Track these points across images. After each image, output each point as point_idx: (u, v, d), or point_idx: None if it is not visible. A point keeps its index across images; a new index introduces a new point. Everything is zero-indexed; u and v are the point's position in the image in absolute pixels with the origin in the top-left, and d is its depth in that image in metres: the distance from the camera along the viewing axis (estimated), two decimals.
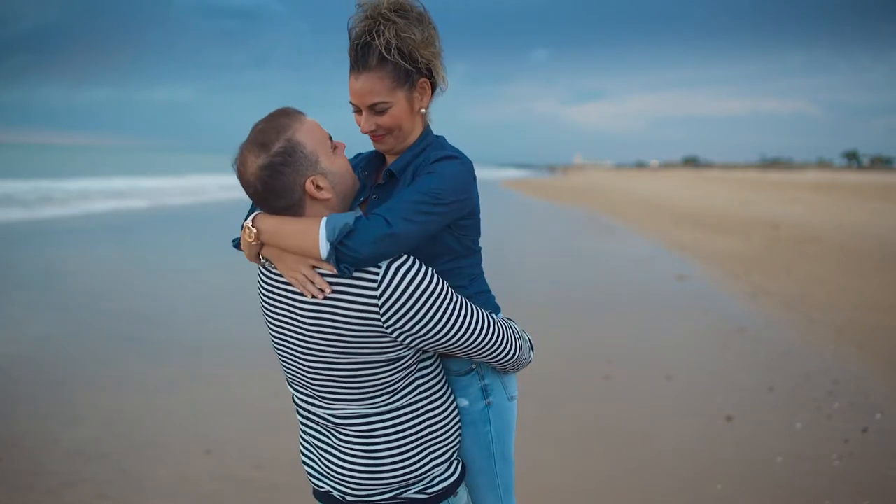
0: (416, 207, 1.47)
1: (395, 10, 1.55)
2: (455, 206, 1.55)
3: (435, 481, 1.61)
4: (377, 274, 1.43)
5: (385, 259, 1.44)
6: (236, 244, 1.63)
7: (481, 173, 1.93)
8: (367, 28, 1.56)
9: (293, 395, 1.68)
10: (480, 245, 1.75)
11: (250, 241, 1.51)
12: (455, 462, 1.67)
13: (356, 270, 1.43)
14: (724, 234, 14.38)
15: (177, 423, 4.33)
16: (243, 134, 1.50)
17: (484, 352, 1.59)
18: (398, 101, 1.58)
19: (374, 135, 1.63)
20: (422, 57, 1.57)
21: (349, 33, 1.60)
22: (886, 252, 11.47)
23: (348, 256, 1.41)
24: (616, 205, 24.16)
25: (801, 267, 10.16)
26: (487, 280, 1.80)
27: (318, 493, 1.70)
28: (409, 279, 1.44)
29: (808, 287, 8.62)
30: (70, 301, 7.50)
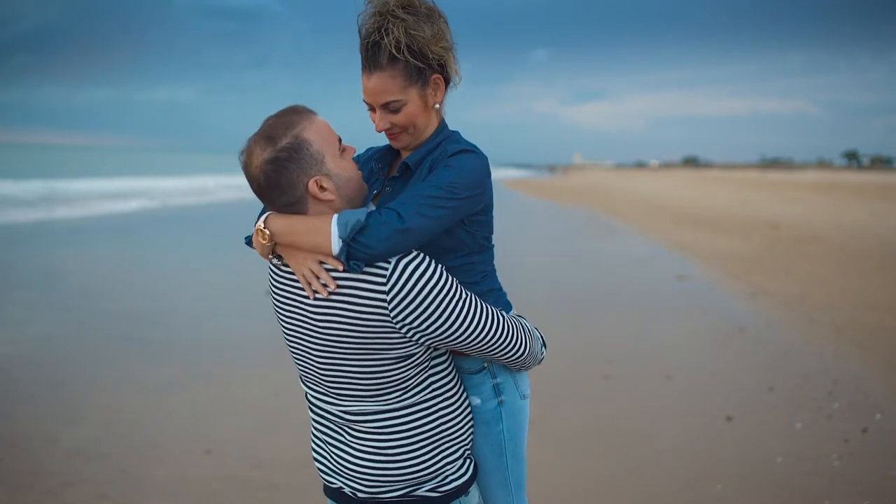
0: (430, 202, 1.47)
1: (403, 7, 1.55)
2: (470, 200, 1.55)
3: (447, 479, 1.61)
4: (386, 270, 1.43)
5: (398, 254, 1.44)
6: (248, 240, 1.64)
7: None
8: (376, 26, 1.55)
9: (306, 392, 1.68)
10: (493, 242, 1.74)
11: (263, 242, 1.51)
12: (468, 461, 1.67)
13: (366, 266, 1.43)
14: (724, 234, 14.38)
15: (177, 423, 4.33)
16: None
17: (494, 348, 1.59)
18: (412, 99, 1.58)
19: (390, 133, 1.63)
20: (432, 53, 1.57)
21: (359, 31, 1.59)
22: (886, 252, 11.47)
23: (361, 252, 1.41)
24: (616, 205, 24.16)
25: (801, 267, 10.16)
26: None
27: (329, 490, 1.70)
28: (418, 275, 1.44)
29: (808, 287, 8.62)
30: (70, 301, 7.50)
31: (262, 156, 1.45)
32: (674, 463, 3.82)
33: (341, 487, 1.65)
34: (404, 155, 1.70)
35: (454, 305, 1.48)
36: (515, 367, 1.70)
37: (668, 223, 17.10)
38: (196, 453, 3.90)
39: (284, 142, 1.44)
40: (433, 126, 1.66)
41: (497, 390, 1.72)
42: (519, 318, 1.69)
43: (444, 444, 1.60)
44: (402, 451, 1.57)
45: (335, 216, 1.43)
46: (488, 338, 1.56)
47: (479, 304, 1.54)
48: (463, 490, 1.63)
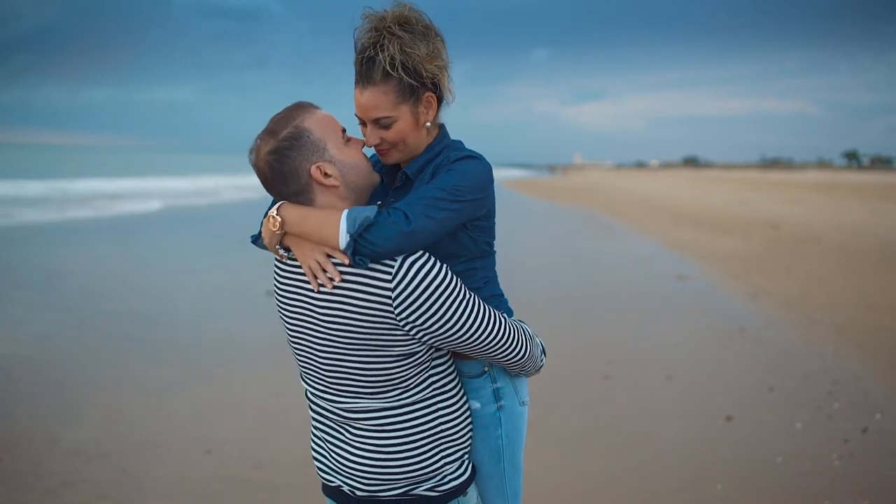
0: (435, 203, 1.50)
1: (400, 24, 1.56)
2: (473, 203, 1.57)
3: (446, 479, 1.62)
4: (392, 267, 1.45)
5: (402, 253, 1.46)
6: (254, 239, 1.66)
7: None
8: (371, 41, 1.56)
9: (306, 390, 1.69)
10: (495, 249, 1.75)
11: (274, 229, 1.53)
12: (466, 462, 1.68)
13: (372, 262, 1.45)
14: (724, 234, 14.38)
15: (177, 423, 4.33)
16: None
17: (495, 350, 1.60)
18: (403, 116, 1.59)
19: (379, 148, 1.64)
20: (427, 71, 1.58)
21: (355, 45, 1.60)
22: (886, 252, 11.46)
23: (366, 249, 1.44)
24: (616, 205, 24.16)
25: (801, 267, 10.16)
26: None
27: (327, 489, 1.71)
28: (423, 274, 1.46)
29: (808, 287, 8.62)
30: (70, 301, 7.50)
31: (265, 148, 1.51)
32: (674, 463, 3.82)
33: (340, 486, 1.66)
34: (404, 164, 1.70)
35: (458, 305, 1.50)
36: (515, 370, 1.71)
37: (668, 223, 17.10)
38: (196, 453, 3.90)
39: (285, 132, 1.50)
40: (424, 143, 1.67)
41: (497, 395, 1.73)
42: (520, 323, 1.70)
43: (442, 444, 1.61)
44: (401, 450, 1.57)
45: (345, 211, 1.46)
46: (490, 339, 1.57)
47: (482, 305, 1.56)
48: (461, 490, 1.64)
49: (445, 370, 1.64)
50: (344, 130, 1.56)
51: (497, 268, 1.79)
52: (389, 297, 1.45)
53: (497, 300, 1.75)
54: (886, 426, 4.26)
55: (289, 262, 1.57)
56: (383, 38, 1.55)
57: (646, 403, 4.74)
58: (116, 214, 18.04)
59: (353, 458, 1.60)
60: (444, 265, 1.51)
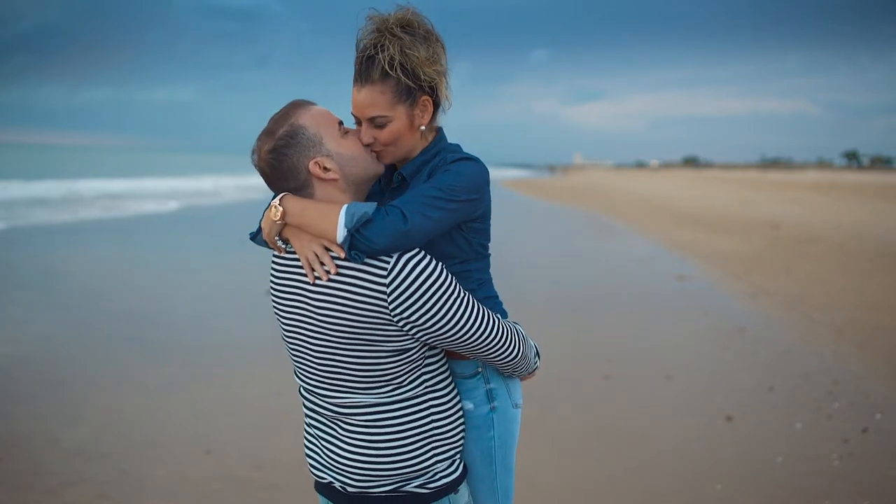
0: (432, 202, 1.51)
1: (401, 27, 1.58)
2: (468, 204, 1.59)
3: (437, 476, 1.63)
4: (388, 263, 1.47)
5: (397, 251, 1.48)
6: (252, 235, 1.67)
7: None
8: (373, 42, 1.58)
9: (299, 386, 1.70)
10: (490, 251, 1.76)
11: (275, 219, 1.55)
12: (458, 461, 1.69)
13: (367, 258, 1.47)
14: (724, 234, 14.38)
15: (177, 423, 4.33)
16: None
17: (488, 349, 1.61)
18: (398, 117, 1.60)
19: (372, 148, 1.65)
20: (425, 74, 1.59)
21: (356, 45, 1.62)
22: (886, 252, 11.46)
23: (363, 245, 1.46)
24: (616, 205, 24.16)
25: (801, 267, 10.16)
26: None
27: (319, 485, 1.71)
28: (418, 271, 1.48)
29: (808, 287, 8.62)
30: (70, 301, 7.50)
31: (264, 148, 1.55)
32: (674, 463, 3.82)
33: (331, 482, 1.66)
34: (400, 165, 1.71)
35: (452, 303, 1.51)
36: (508, 370, 1.72)
37: (668, 223, 17.10)
38: (196, 453, 3.90)
39: (282, 131, 1.53)
40: (418, 147, 1.68)
41: (490, 396, 1.73)
42: (514, 324, 1.71)
43: (434, 442, 1.62)
44: (393, 446, 1.58)
45: (345, 206, 1.48)
46: (483, 338, 1.58)
47: (476, 304, 1.57)
48: (452, 488, 1.64)
49: (438, 369, 1.65)
50: (341, 123, 1.59)
51: (497, 268, 1.79)
52: (384, 292, 1.47)
53: (492, 302, 1.75)
54: (886, 426, 4.26)
55: (286, 255, 1.59)
56: (384, 39, 1.57)
57: (646, 403, 4.74)
58: (117, 215, 18.05)
59: (345, 453, 1.61)
60: (440, 263, 1.52)
